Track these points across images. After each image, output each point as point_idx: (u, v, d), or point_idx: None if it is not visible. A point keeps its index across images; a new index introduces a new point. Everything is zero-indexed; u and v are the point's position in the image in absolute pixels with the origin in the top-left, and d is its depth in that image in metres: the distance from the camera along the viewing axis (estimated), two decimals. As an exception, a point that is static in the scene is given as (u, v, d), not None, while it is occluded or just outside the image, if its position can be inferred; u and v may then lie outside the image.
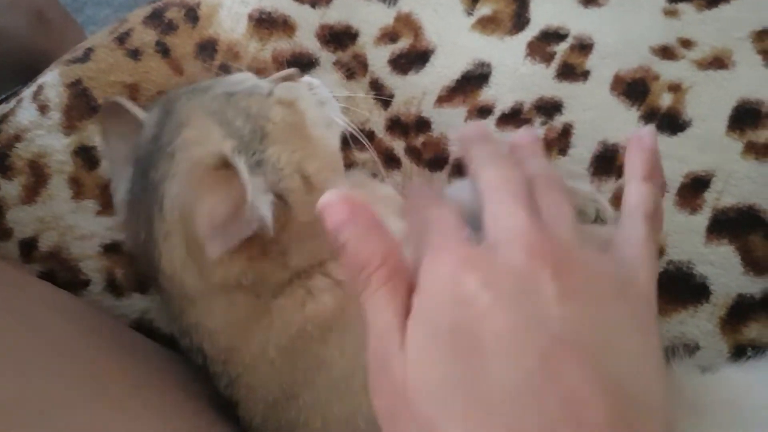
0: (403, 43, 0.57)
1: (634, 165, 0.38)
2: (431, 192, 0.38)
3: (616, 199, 0.52)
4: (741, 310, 0.50)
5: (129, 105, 0.49)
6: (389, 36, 0.57)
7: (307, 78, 0.50)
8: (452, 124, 0.56)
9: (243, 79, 0.48)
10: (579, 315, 0.30)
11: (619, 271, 0.33)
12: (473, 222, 0.48)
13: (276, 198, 0.42)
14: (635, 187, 0.37)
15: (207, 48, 0.55)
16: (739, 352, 0.50)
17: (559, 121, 0.55)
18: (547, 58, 0.56)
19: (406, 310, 0.31)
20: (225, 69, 0.54)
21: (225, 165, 0.41)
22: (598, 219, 0.49)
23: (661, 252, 0.51)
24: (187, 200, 0.41)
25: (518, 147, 0.39)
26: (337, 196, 0.34)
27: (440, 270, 0.31)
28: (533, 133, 0.41)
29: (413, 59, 0.57)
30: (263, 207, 0.40)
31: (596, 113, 0.54)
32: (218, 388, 0.46)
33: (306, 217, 0.43)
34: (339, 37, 0.57)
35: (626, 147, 0.39)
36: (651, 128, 0.42)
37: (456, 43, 0.57)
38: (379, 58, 0.57)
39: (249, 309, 0.43)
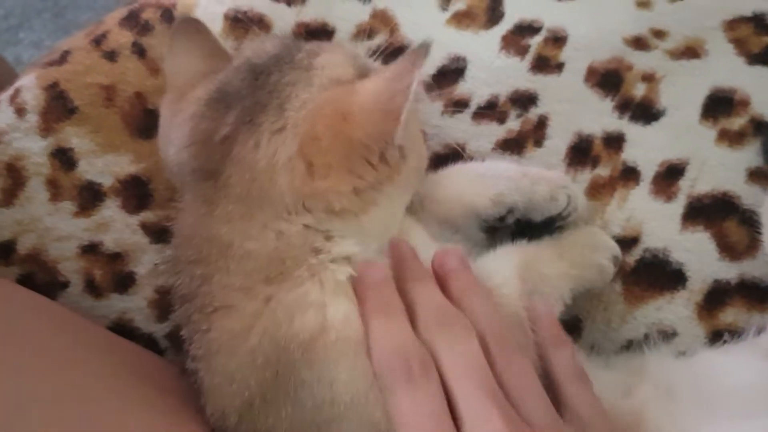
0: (380, 39, 0.57)
1: (544, 338, 0.43)
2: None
3: (592, 189, 0.53)
4: (717, 296, 0.51)
5: (205, 26, 0.50)
6: (365, 32, 0.58)
7: None
8: (429, 120, 0.56)
9: None
10: None
11: None
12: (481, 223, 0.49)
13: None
14: (555, 357, 0.43)
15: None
16: (716, 337, 0.50)
17: (534, 113, 0.55)
18: (522, 51, 0.56)
19: None
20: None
21: None
22: (570, 206, 0.50)
23: (636, 239, 0.52)
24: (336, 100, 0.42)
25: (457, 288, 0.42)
26: None
27: None
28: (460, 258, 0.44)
29: (390, 55, 0.57)
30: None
31: (571, 105, 0.55)
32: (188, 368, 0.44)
33: (396, 188, 0.44)
34: (316, 35, 0.58)
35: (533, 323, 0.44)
36: (545, 302, 0.46)
37: (431, 38, 0.57)
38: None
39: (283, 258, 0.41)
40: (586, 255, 0.50)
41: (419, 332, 0.39)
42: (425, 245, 0.46)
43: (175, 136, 0.46)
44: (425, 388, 0.36)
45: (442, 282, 0.42)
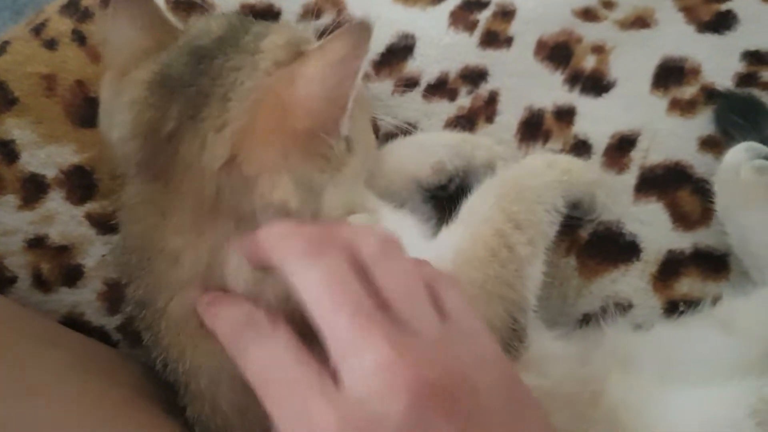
0: (327, 19, 0.56)
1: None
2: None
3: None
4: (672, 266, 0.51)
5: None
6: (313, 12, 0.57)
7: None
8: (380, 99, 0.55)
9: None
10: None
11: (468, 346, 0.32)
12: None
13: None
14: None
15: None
16: (672, 307, 0.50)
17: (484, 89, 0.54)
18: (470, 26, 0.55)
19: None
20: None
21: None
22: None
23: (590, 213, 0.51)
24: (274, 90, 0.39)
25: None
26: None
27: None
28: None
29: (338, 35, 0.56)
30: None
31: (521, 79, 0.54)
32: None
33: (344, 179, 0.41)
34: (261, 16, 0.56)
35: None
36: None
37: (379, 16, 0.56)
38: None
39: None
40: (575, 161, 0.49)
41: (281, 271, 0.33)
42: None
43: (118, 119, 0.43)
44: (267, 343, 0.32)
45: None
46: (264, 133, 0.39)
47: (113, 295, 0.51)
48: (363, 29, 0.38)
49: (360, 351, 0.29)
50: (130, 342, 0.52)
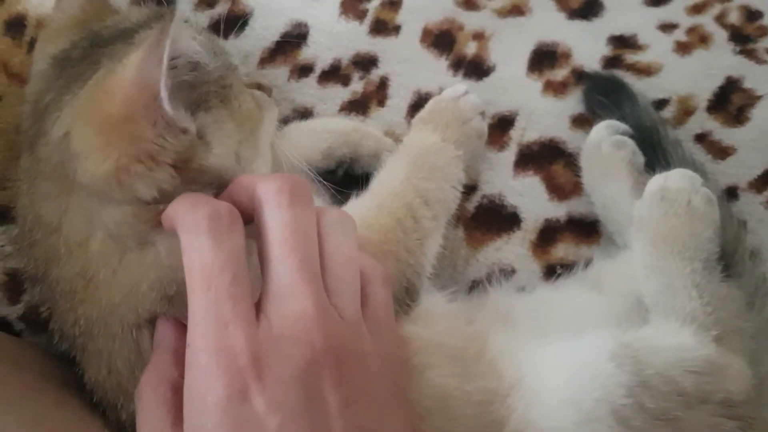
0: (222, 8, 0.58)
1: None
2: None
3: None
4: (549, 233, 0.56)
5: None
6: (206, 2, 0.58)
7: None
8: (276, 85, 0.57)
9: None
10: (360, 421, 0.33)
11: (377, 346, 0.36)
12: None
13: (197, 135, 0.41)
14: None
15: (16, 24, 0.54)
16: (550, 270, 0.55)
17: (375, 74, 0.58)
18: (360, 15, 0.58)
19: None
20: (34, 44, 0.53)
21: None
22: None
23: (474, 187, 0.56)
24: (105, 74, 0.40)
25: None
26: None
27: (218, 381, 0.31)
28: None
29: (233, 23, 0.58)
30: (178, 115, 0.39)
31: (409, 65, 0.58)
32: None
33: (208, 163, 0.41)
34: (157, 4, 0.57)
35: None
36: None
37: (272, 5, 0.58)
38: (199, 24, 0.58)
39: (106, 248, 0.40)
40: (462, 130, 0.53)
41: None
42: None
43: (28, 85, 0.46)
44: (227, 239, 0.34)
45: None
46: (89, 115, 0.40)
47: (13, 284, 0.52)
48: (166, 17, 0.40)
49: (291, 296, 0.34)
50: (32, 331, 0.52)
